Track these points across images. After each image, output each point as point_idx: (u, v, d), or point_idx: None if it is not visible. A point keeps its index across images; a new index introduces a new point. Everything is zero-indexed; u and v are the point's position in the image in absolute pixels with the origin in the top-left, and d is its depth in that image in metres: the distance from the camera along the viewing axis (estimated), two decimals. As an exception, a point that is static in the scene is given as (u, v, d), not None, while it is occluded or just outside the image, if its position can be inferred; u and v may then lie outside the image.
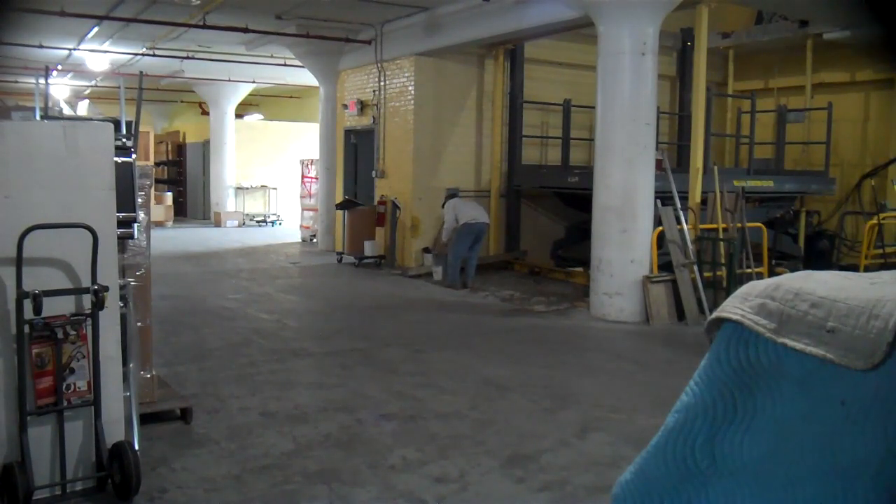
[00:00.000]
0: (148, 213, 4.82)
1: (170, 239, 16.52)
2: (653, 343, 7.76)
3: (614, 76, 8.53)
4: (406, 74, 12.67)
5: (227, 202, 20.79)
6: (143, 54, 15.26)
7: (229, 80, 19.04)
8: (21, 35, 13.22)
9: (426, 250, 11.86)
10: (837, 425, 1.47)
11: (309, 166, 17.13)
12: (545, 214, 13.19)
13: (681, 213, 8.96)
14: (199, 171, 22.69)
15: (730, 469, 1.67)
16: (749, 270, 9.22)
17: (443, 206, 11.30)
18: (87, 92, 21.49)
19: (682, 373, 2.22)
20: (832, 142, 12.13)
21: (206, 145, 21.85)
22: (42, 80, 10.49)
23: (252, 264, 13.19)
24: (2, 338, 3.67)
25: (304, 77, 16.59)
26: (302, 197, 17.46)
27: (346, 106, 14.28)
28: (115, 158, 4.02)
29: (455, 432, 4.94)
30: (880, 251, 11.28)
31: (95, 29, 13.07)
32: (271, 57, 15.79)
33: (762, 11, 12.88)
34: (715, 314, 1.76)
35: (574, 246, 11.45)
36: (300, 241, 16.94)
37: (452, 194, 11.29)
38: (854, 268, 10.74)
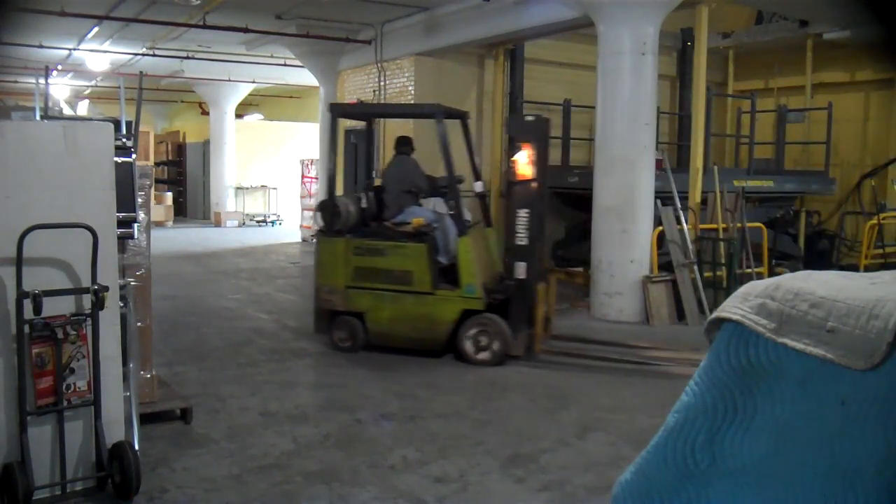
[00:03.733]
0: (148, 213, 4.82)
1: (170, 239, 16.52)
2: (653, 343, 7.74)
3: (614, 76, 8.53)
4: (406, 74, 12.66)
5: (227, 202, 20.78)
6: (143, 54, 15.25)
7: (229, 80, 19.04)
8: (21, 35, 13.22)
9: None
10: (837, 425, 1.47)
11: (309, 166, 17.14)
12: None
13: (681, 213, 8.96)
14: (199, 171, 22.68)
15: (730, 469, 1.67)
16: (749, 270, 9.21)
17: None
18: (87, 92, 21.49)
19: (683, 373, 2.22)
20: (832, 142, 12.12)
21: (206, 145, 21.84)
22: (42, 80, 10.49)
23: (252, 264, 13.19)
24: (2, 338, 3.67)
25: (304, 77, 16.59)
26: (302, 197, 17.46)
27: (346, 106, 14.29)
28: (115, 158, 4.02)
29: (455, 432, 4.94)
30: (880, 251, 11.28)
31: (95, 29, 13.06)
32: (271, 57, 15.78)
33: (762, 11, 12.88)
34: (715, 314, 1.76)
35: (574, 246, 11.43)
36: (300, 241, 16.93)
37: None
38: (854, 268, 10.74)
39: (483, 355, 6.54)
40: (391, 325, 6.75)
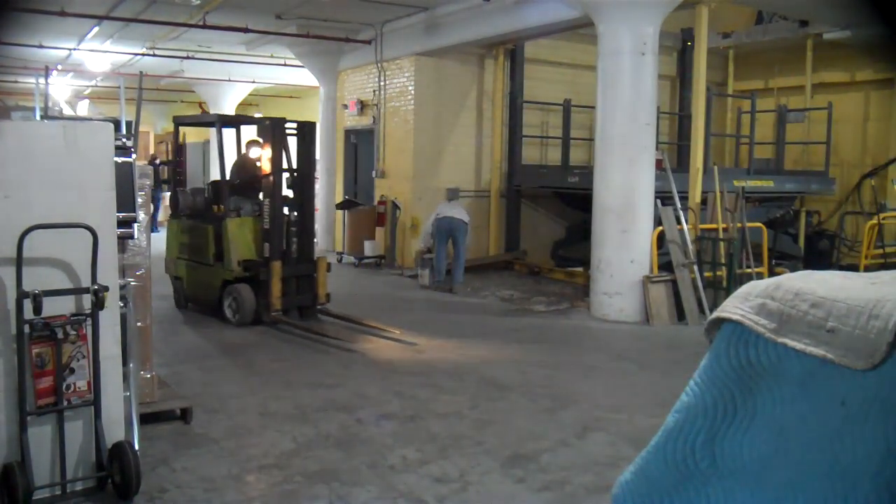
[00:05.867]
0: (148, 213, 4.83)
1: (170, 239, 16.49)
2: (653, 343, 7.75)
3: (614, 76, 8.52)
4: (406, 74, 12.66)
5: (227, 202, 20.73)
6: (143, 54, 15.24)
7: (229, 80, 19.02)
8: (21, 35, 13.20)
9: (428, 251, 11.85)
10: (837, 425, 1.46)
11: (309, 166, 17.10)
12: (545, 214, 13.18)
13: (681, 213, 8.96)
14: (199, 171, 22.65)
15: (730, 469, 1.67)
16: (749, 270, 9.21)
17: None
18: (87, 92, 21.47)
19: (682, 373, 2.22)
20: (832, 142, 12.13)
21: (205, 145, 21.81)
22: (42, 80, 10.48)
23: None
24: (2, 338, 3.66)
25: (304, 77, 16.58)
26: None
27: (346, 106, 14.28)
28: (115, 158, 4.02)
29: (455, 432, 4.94)
30: (880, 251, 11.28)
31: (95, 29, 13.05)
32: (271, 57, 15.78)
33: (762, 11, 12.88)
34: (715, 314, 1.76)
35: (574, 246, 11.44)
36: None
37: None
38: (854, 268, 10.74)
39: (236, 317, 7.93)
40: (193, 288, 8.55)
